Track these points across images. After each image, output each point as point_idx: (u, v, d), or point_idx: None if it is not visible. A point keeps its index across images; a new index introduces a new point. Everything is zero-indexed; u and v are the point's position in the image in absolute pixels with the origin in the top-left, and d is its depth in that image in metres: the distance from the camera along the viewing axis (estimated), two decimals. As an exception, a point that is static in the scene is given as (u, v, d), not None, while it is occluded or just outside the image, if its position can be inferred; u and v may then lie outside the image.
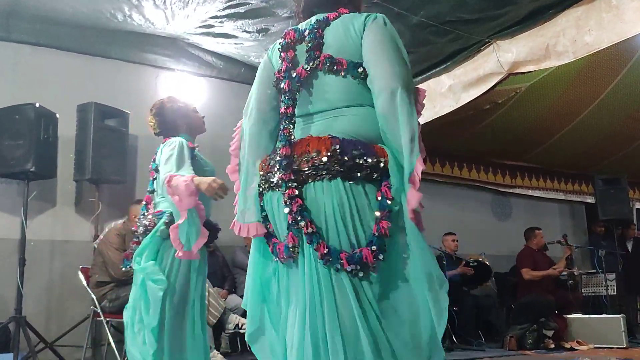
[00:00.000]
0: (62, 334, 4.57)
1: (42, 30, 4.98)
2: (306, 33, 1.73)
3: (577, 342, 5.97)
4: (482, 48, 4.91)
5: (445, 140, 7.15)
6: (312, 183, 1.56)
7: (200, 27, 5.06)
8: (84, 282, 4.44)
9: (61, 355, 4.48)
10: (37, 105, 4.48)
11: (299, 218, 1.55)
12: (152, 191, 2.96)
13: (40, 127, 4.46)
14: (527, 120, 6.91)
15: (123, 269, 3.02)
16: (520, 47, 4.58)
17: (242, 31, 5.07)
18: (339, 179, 1.54)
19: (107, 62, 5.40)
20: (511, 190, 8.44)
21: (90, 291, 4.39)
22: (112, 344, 4.29)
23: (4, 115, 4.49)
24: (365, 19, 1.66)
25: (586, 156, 8.15)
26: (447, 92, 5.20)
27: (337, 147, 1.54)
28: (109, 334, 4.33)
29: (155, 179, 2.95)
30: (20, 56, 5.05)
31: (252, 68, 5.79)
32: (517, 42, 4.60)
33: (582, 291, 7.09)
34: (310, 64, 1.66)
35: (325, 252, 1.51)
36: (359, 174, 1.53)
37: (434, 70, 5.30)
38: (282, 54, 1.75)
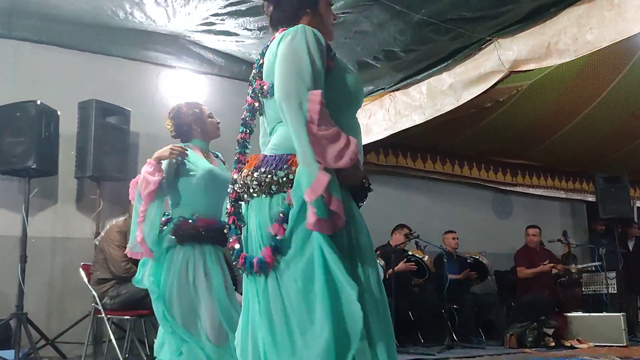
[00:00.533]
0: (63, 330, 4.59)
1: (43, 28, 4.99)
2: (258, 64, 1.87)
3: (578, 340, 5.98)
4: (483, 46, 4.91)
5: (446, 139, 7.15)
6: (248, 201, 1.74)
7: (202, 24, 5.06)
8: (85, 279, 4.45)
9: (62, 352, 4.50)
10: (39, 102, 4.49)
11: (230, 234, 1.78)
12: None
13: (41, 125, 4.47)
14: (528, 118, 6.90)
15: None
16: (521, 45, 4.57)
17: (243, 29, 5.06)
18: (261, 196, 1.68)
19: (108, 59, 5.41)
20: (512, 189, 8.45)
21: (91, 288, 4.40)
22: (113, 341, 4.30)
23: (5, 113, 4.50)
24: (281, 38, 1.72)
25: (587, 154, 8.14)
26: (448, 90, 5.20)
27: (257, 167, 1.69)
28: (110, 331, 4.34)
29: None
30: (22, 53, 5.06)
31: (253, 66, 5.78)
32: (518, 40, 4.59)
33: (583, 289, 7.09)
34: (251, 94, 1.86)
35: (242, 262, 1.69)
36: (273, 188, 1.65)
37: (435, 69, 5.30)
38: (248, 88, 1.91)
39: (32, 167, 4.39)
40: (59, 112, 4.70)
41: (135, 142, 5.41)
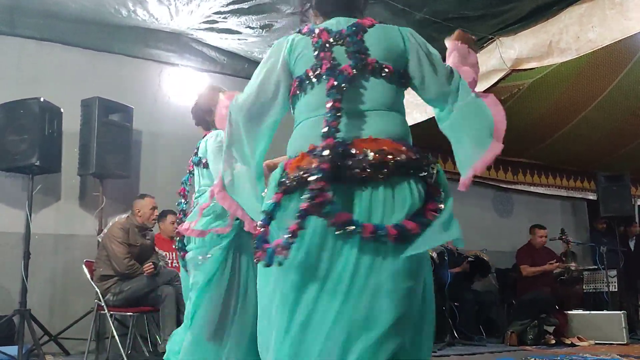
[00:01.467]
0: (66, 327, 4.62)
1: (46, 25, 5.00)
2: (344, 35, 1.72)
3: (578, 338, 5.99)
4: (485, 45, 4.91)
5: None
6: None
7: (204, 22, 5.08)
8: (88, 276, 4.47)
9: (65, 348, 4.52)
10: (42, 99, 4.50)
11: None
12: (186, 182, 2.97)
13: (44, 122, 4.49)
14: (530, 116, 6.90)
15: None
16: (523, 43, 4.58)
17: (246, 27, 5.08)
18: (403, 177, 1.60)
19: (111, 57, 5.42)
20: (513, 187, 8.45)
21: (94, 285, 4.42)
22: (116, 337, 4.31)
23: (8, 110, 4.52)
24: (405, 31, 1.79)
25: (588, 153, 8.14)
26: (450, 89, 5.20)
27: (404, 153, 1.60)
28: (112, 327, 4.36)
29: (191, 172, 2.96)
30: (25, 51, 5.07)
31: (256, 64, 5.72)
32: (520, 38, 4.60)
33: (584, 287, 7.10)
34: (358, 65, 1.66)
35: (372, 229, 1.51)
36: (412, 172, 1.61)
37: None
38: (320, 53, 1.70)
39: (35, 164, 4.41)
40: (62, 110, 4.71)
41: (138, 140, 5.43)
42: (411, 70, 1.75)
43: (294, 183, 1.57)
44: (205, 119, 2.97)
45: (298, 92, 1.73)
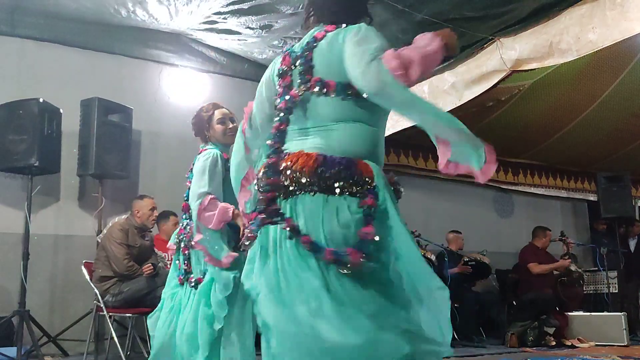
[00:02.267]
0: (65, 328, 4.61)
1: (46, 25, 5.00)
2: (299, 56, 1.81)
3: (578, 339, 5.98)
4: (485, 45, 4.90)
5: (448, 138, 7.12)
6: (298, 196, 1.69)
7: (204, 23, 5.07)
8: (87, 277, 4.46)
9: (64, 349, 4.51)
10: (41, 100, 4.50)
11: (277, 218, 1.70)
12: (186, 197, 2.95)
13: (44, 122, 4.48)
14: (530, 117, 6.90)
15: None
16: (523, 44, 4.57)
17: (246, 27, 5.07)
18: (321, 194, 1.66)
19: (110, 57, 5.41)
20: (513, 188, 8.44)
21: (93, 286, 4.41)
22: (115, 338, 4.31)
23: (8, 110, 4.51)
24: (344, 34, 1.73)
25: (589, 154, 8.13)
26: (450, 90, 5.20)
27: (321, 166, 1.66)
28: (111, 329, 4.35)
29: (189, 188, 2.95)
30: (24, 51, 5.06)
31: (256, 64, 5.80)
32: (521, 39, 4.59)
33: (584, 289, 7.09)
34: (302, 87, 1.77)
35: (310, 242, 1.63)
36: (343, 190, 1.65)
37: (436, 68, 5.28)
38: (279, 80, 1.86)
39: (35, 164, 4.41)
40: (61, 110, 4.71)
41: (137, 140, 5.42)
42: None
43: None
44: (204, 132, 2.98)
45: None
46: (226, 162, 2.76)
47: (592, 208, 8.92)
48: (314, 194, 1.66)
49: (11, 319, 4.33)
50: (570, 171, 8.98)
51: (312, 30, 1.85)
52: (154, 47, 5.52)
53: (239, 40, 5.38)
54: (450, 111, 5.25)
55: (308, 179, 1.65)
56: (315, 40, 1.79)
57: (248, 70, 5.83)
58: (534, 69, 4.82)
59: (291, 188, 1.68)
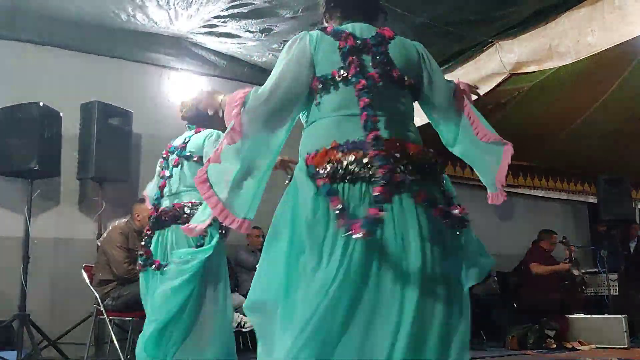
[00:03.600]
0: (66, 331, 4.60)
1: (46, 29, 5.00)
2: (369, 44, 1.76)
3: (579, 342, 5.97)
4: (484, 48, 4.92)
5: (448, 140, 7.12)
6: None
7: (204, 26, 5.09)
8: (87, 281, 4.45)
9: (64, 353, 4.50)
10: (41, 104, 4.50)
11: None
12: (170, 176, 2.94)
13: (44, 126, 4.48)
14: (530, 120, 6.89)
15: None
16: (522, 47, 4.58)
17: (245, 31, 5.08)
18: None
19: (110, 61, 5.42)
20: (513, 190, 8.43)
21: (93, 289, 4.40)
22: (115, 342, 4.29)
23: (8, 114, 4.51)
24: (416, 46, 1.87)
25: (589, 156, 8.13)
26: (450, 93, 5.20)
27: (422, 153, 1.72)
28: (111, 332, 4.34)
29: (179, 165, 2.93)
30: (25, 55, 5.07)
31: (255, 67, 5.81)
32: (520, 42, 4.61)
33: (585, 291, 7.08)
34: (384, 74, 1.73)
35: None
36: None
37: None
38: (348, 57, 1.72)
39: (35, 168, 4.41)
40: (61, 114, 4.71)
41: (138, 144, 5.42)
42: (423, 86, 1.84)
43: (341, 172, 1.60)
44: (203, 114, 2.93)
45: (318, 91, 1.73)
46: None
47: (592, 210, 8.92)
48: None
49: (11, 323, 4.32)
50: (570, 174, 8.99)
51: (362, 25, 1.82)
52: (154, 50, 5.53)
53: (238, 43, 5.39)
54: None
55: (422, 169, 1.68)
56: (385, 36, 1.80)
57: (248, 73, 5.84)
58: (533, 72, 4.85)
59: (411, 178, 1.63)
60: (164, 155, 3.11)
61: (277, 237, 1.67)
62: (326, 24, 1.89)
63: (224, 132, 1.99)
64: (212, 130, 2.92)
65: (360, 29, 1.80)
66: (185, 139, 3.03)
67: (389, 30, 1.83)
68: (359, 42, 1.75)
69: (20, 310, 4.28)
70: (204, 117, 2.90)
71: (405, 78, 1.76)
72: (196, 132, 3.02)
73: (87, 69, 5.30)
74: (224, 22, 4.94)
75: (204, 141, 2.90)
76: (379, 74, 1.71)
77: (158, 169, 3.13)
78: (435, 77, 1.84)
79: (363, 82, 1.66)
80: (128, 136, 5.17)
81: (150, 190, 3.14)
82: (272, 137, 1.73)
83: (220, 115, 1.84)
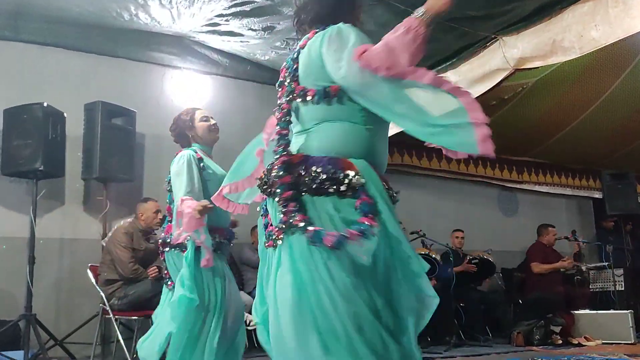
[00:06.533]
0: (72, 331, 4.62)
1: (49, 30, 5.01)
2: (285, 68, 1.86)
3: (585, 338, 5.96)
4: (488, 44, 4.90)
5: (452, 137, 7.11)
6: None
7: (206, 25, 5.08)
8: (93, 280, 4.47)
9: (71, 353, 4.52)
10: (45, 104, 4.51)
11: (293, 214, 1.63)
12: (172, 202, 2.97)
13: (48, 126, 4.50)
14: (534, 116, 6.88)
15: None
16: (526, 43, 4.56)
17: (248, 29, 5.08)
18: (307, 195, 1.65)
19: (113, 61, 5.43)
20: (518, 186, 8.43)
21: (99, 289, 4.43)
22: (121, 341, 4.32)
23: (12, 115, 4.53)
24: (322, 37, 1.73)
25: (593, 151, 8.11)
26: (453, 89, 5.19)
27: (302, 166, 1.66)
28: (117, 332, 4.36)
29: (170, 190, 2.96)
30: (28, 56, 5.08)
31: (258, 66, 5.81)
32: (523, 38, 4.58)
33: (590, 287, 7.07)
34: (287, 97, 1.80)
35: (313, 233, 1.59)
36: (327, 189, 1.62)
37: (439, 67, 5.29)
38: (279, 90, 1.88)
39: (40, 169, 4.42)
40: (65, 114, 4.72)
41: (141, 143, 5.43)
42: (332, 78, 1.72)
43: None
44: (186, 135, 3.02)
45: None
46: (199, 160, 2.85)
47: (597, 206, 8.90)
48: (303, 195, 1.65)
49: (18, 323, 4.34)
50: (574, 169, 8.96)
51: (303, 39, 1.86)
52: (157, 50, 5.53)
53: (241, 42, 5.38)
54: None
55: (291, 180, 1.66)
56: (301, 48, 1.81)
57: (250, 71, 5.84)
58: (537, 67, 4.82)
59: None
60: None
61: None
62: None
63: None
64: (182, 153, 2.90)
65: (297, 47, 1.86)
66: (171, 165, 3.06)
67: (311, 33, 1.81)
68: (286, 68, 1.86)
69: (26, 310, 4.29)
70: (183, 139, 3.04)
71: (306, 91, 1.75)
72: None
73: (90, 69, 5.31)
74: (226, 20, 4.93)
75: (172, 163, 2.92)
76: (284, 101, 1.81)
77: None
78: (327, 59, 1.69)
79: (279, 115, 1.83)
80: (132, 136, 5.18)
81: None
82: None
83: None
